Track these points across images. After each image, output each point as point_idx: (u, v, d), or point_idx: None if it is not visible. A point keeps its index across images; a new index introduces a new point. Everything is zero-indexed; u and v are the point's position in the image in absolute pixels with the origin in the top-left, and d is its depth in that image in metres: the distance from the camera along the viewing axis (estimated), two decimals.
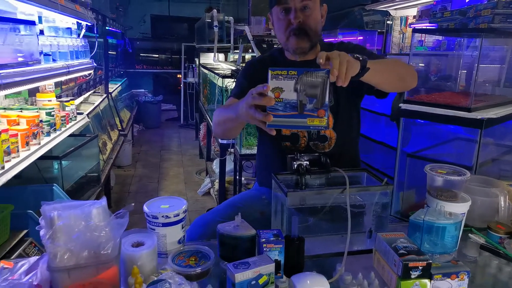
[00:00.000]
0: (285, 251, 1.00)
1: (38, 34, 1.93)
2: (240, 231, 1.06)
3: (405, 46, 4.33)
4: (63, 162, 2.29)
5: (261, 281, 0.93)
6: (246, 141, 3.05)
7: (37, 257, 0.97)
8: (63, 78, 2.50)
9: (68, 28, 2.67)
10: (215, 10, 3.74)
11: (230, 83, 3.20)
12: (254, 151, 2.87)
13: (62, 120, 2.24)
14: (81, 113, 2.80)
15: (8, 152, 1.55)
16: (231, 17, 3.78)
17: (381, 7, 4.30)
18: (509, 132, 2.22)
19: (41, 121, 1.95)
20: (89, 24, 3.09)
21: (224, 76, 3.30)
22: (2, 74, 1.39)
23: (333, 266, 1.04)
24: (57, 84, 2.83)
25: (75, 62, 2.60)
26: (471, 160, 1.64)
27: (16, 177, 1.62)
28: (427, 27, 3.22)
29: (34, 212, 1.67)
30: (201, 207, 3.94)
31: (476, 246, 1.19)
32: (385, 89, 1.34)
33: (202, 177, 4.69)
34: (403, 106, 1.83)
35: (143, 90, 8.02)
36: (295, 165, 1.22)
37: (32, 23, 1.78)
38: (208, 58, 5.35)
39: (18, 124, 1.75)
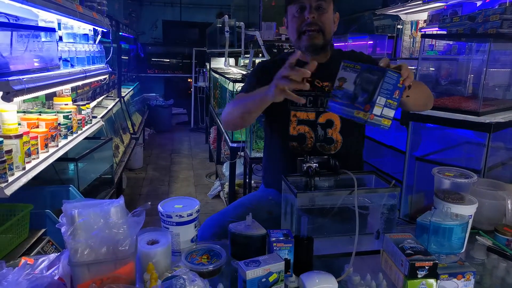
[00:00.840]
0: (294, 250, 1.03)
1: (57, 40, 2.00)
2: (251, 230, 1.10)
3: (415, 50, 4.33)
4: (79, 164, 2.36)
5: (271, 279, 0.96)
6: (256, 145, 3.09)
7: (56, 254, 1.02)
8: (80, 83, 2.58)
9: (85, 34, 2.75)
10: (226, 16, 3.80)
11: (241, 87, 3.24)
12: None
13: (78, 123, 2.31)
14: (95, 117, 2.88)
15: (28, 154, 1.62)
16: (242, 23, 3.83)
17: (392, 12, 4.31)
18: None
19: (59, 124, 2.02)
20: (104, 30, 3.18)
21: (235, 81, 3.34)
22: (24, 79, 1.45)
23: (342, 266, 1.07)
24: (72, 89, 2.91)
25: (92, 67, 2.67)
26: (480, 164, 1.66)
27: (34, 178, 1.68)
28: (437, 32, 3.23)
29: (52, 212, 1.73)
30: (211, 209, 3.98)
31: (483, 248, 1.20)
32: (409, 108, 1.38)
33: (212, 180, 4.74)
34: None
35: (154, 94, 8.12)
36: (305, 167, 1.25)
37: (52, 30, 1.85)
38: (219, 63, 5.41)
39: (37, 126, 1.82)
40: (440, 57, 2.80)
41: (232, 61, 5.14)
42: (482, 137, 1.76)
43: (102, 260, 0.88)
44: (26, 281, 0.86)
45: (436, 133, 2.29)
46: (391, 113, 0.99)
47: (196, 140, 7.02)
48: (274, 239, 1.03)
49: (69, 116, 2.13)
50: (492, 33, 1.66)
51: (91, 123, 2.56)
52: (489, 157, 1.83)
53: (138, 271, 0.99)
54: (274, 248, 1.02)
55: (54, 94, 2.41)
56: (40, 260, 1.02)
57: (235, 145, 3.28)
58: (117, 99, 4.80)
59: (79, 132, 2.29)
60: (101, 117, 3.11)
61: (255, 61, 4.50)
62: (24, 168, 1.58)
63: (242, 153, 3.29)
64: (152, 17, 8.71)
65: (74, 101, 2.66)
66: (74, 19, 2.19)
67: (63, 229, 0.91)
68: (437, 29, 3.44)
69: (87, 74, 2.39)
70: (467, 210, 1.12)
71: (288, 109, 1.45)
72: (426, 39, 3.19)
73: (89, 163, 2.69)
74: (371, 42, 5.00)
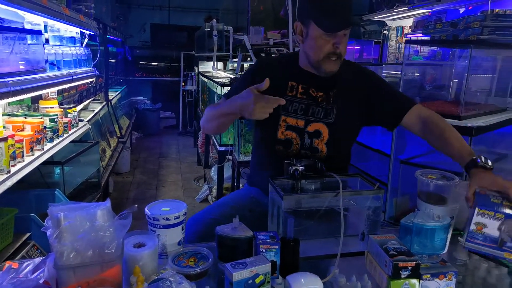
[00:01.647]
0: (280, 252, 1.04)
1: (43, 43, 1.99)
2: (237, 232, 1.11)
3: (401, 55, 4.40)
4: (64, 167, 2.33)
5: (257, 281, 0.97)
6: (244, 148, 3.10)
7: (41, 258, 1.01)
8: (66, 86, 2.56)
9: (72, 37, 2.73)
10: (214, 20, 3.81)
11: (229, 90, 3.25)
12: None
13: (64, 126, 2.29)
14: (82, 120, 2.85)
15: (13, 157, 1.60)
16: (230, 27, 3.85)
17: (378, 18, 4.39)
18: (501, 140, 2.28)
19: (45, 127, 2.00)
20: (91, 33, 3.16)
21: (223, 84, 3.36)
22: (10, 82, 1.44)
23: (328, 268, 1.08)
24: (59, 92, 2.88)
25: (79, 70, 2.66)
26: None
27: (19, 181, 1.66)
28: (421, 38, 3.30)
29: (37, 216, 1.71)
30: None
31: (465, 249, 1.23)
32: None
33: (200, 184, 4.73)
34: None
35: (142, 97, 8.08)
36: (291, 170, 1.26)
37: (38, 32, 1.84)
38: (207, 67, 5.42)
39: (23, 130, 1.80)
40: (424, 62, 2.86)
41: (220, 65, 5.15)
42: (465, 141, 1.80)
43: (88, 263, 0.88)
44: (11, 285, 0.85)
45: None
46: None
47: (185, 143, 7.00)
48: (260, 241, 1.04)
49: (55, 119, 2.11)
50: (473, 39, 1.71)
51: (77, 126, 2.54)
52: None
53: (124, 274, 0.99)
54: (261, 250, 1.03)
55: (40, 97, 2.38)
56: (25, 264, 1.01)
57: (223, 148, 3.29)
58: (104, 103, 4.76)
59: (65, 135, 2.27)
60: (88, 121, 3.09)
61: (243, 65, 4.52)
62: (9, 172, 1.56)
63: (230, 157, 3.30)
64: (140, 20, 8.67)
65: (60, 104, 2.63)
66: (60, 22, 2.18)
67: (48, 232, 0.91)
68: (421, 35, 3.52)
69: (73, 77, 2.37)
70: (449, 212, 1.15)
71: (279, 114, 1.46)
72: (412, 45, 3.25)
73: (75, 167, 2.67)
74: (358, 47, 5.06)
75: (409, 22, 4.23)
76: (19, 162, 1.65)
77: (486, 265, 1.18)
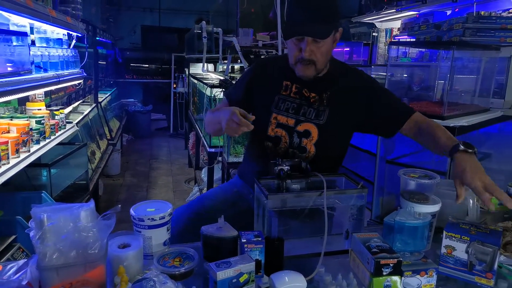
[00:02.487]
0: (265, 251, 1.05)
1: (29, 44, 1.98)
2: (222, 232, 1.12)
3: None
4: (52, 170, 2.32)
5: (241, 279, 0.97)
6: (234, 150, 3.11)
7: (25, 259, 1.01)
8: (53, 88, 2.54)
9: (59, 39, 2.72)
10: (204, 22, 3.82)
11: (219, 93, 3.27)
12: (241, 159, 2.93)
13: (51, 128, 2.27)
14: (70, 122, 2.84)
15: None
16: (220, 29, 3.86)
17: (367, 20, 4.43)
18: (485, 140, 2.32)
19: (31, 129, 1.98)
20: (79, 35, 3.15)
21: (212, 86, 3.36)
22: None
23: (313, 266, 1.09)
24: (46, 94, 2.87)
25: (65, 72, 2.64)
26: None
27: (5, 184, 1.64)
28: (406, 40, 3.35)
29: (23, 218, 1.69)
30: None
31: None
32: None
33: (191, 186, 4.72)
34: None
35: (132, 99, 8.04)
36: (277, 170, 1.27)
37: (24, 34, 1.83)
38: (197, 68, 5.42)
39: (8, 132, 1.79)
40: (409, 63, 2.90)
41: (210, 66, 5.16)
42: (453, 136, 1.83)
43: (71, 263, 0.88)
44: None
45: (407, 137, 2.36)
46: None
47: (176, 145, 6.98)
48: (245, 240, 1.05)
49: (42, 121, 2.10)
50: (455, 41, 1.74)
51: (65, 128, 2.52)
52: None
53: (109, 275, 0.99)
54: (245, 249, 1.04)
55: (27, 99, 2.37)
56: (9, 266, 1.00)
57: (213, 150, 3.29)
58: (94, 105, 4.73)
59: (52, 137, 2.25)
60: (77, 123, 3.07)
61: (233, 66, 4.54)
62: None
63: (220, 158, 3.30)
64: (131, 22, 8.64)
65: (48, 106, 2.61)
66: (46, 24, 2.16)
67: (31, 234, 0.90)
68: (406, 36, 3.57)
69: (60, 79, 2.36)
70: (430, 209, 1.17)
71: (271, 111, 1.49)
72: (400, 47, 3.29)
73: (63, 169, 2.65)
74: (348, 49, 5.10)
75: (397, 24, 4.29)
76: (4, 164, 1.63)
77: None
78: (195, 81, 4.92)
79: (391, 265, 0.99)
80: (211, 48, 3.83)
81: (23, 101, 2.36)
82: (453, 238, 1.10)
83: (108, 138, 4.79)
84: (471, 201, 1.29)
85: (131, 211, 1.13)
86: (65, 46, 2.88)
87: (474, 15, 1.95)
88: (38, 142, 2.07)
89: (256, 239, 1.06)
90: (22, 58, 1.82)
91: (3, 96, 1.52)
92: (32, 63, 2.06)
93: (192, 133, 5.37)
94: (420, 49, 3.20)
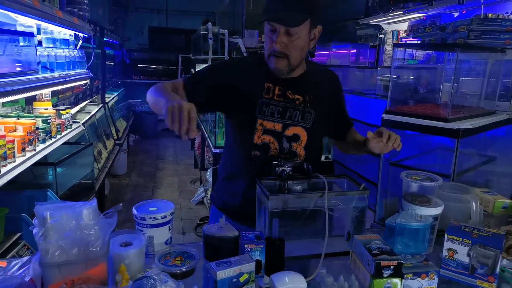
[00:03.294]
0: (266, 252, 1.06)
1: (36, 45, 2.00)
2: (223, 232, 1.12)
3: None
4: (57, 169, 2.34)
5: (242, 279, 0.98)
6: None
7: (29, 256, 1.02)
8: (59, 87, 2.57)
9: (65, 39, 2.75)
10: (210, 23, 3.84)
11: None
12: None
13: (57, 128, 2.30)
14: (77, 122, 2.86)
15: (4, 157, 1.61)
16: (226, 30, 3.88)
17: (374, 21, 4.42)
18: (491, 143, 2.30)
19: (37, 128, 2.01)
20: (86, 35, 3.17)
21: None
22: (1, 82, 1.45)
23: (314, 267, 1.09)
24: (54, 93, 2.90)
25: (72, 72, 2.67)
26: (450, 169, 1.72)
27: (11, 182, 1.67)
28: (412, 42, 3.33)
29: (29, 216, 1.71)
30: (194, 216, 3.98)
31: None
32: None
33: (196, 186, 4.74)
34: (385, 116, 1.91)
35: (139, 100, 8.09)
36: (279, 171, 1.27)
37: (31, 34, 1.86)
38: None
39: (15, 130, 1.81)
40: (414, 66, 2.88)
41: None
42: (454, 143, 1.82)
43: (73, 261, 0.89)
44: None
45: (412, 139, 2.35)
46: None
47: (182, 146, 7.01)
48: (245, 240, 1.05)
49: (48, 121, 2.12)
50: (459, 43, 1.73)
51: (71, 128, 2.55)
52: (463, 162, 1.89)
53: (110, 273, 1.00)
54: (246, 249, 1.04)
55: (34, 99, 2.40)
56: (14, 263, 1.02)
57: (217, 150, 3.30)
58: (101, 105, 4.77)
59: (58, 136, 2.28)
60: (83, 123, 3.10)
61: None
62: None
63: None
64: (138, 23, 8.71)
65: (55, 106, 2.64)
66: (53, 24, 2.19)
67: (34, 231, 0.92)
68: (411, 39, 3.55)
69: (66, 79, 2.38)
70: (432, 212, 1.17)
71: (256, 116, 1.38)
72: (407, 49, 3.28)
73: (68, 168, 2.68)
74: (354, 50, 5.09)
75: (404, 26, 4.26)
76: (10, 162, 1.66)
77: None
78: None
79: (392, 267, 0.99)
80: (217, 49, 3.84)
81: (30, 101, 2.40)
82: (455, 241, 1.09)
83: (115, 138, 4.83)
84: (474, 204, 1.28)
85: (133, 210, 1.15)
86: (71, 47, 2.92)
87: (481, 17, 1.93)
88: (44, 141, 2.09)
89: (257, 239, 1.06)
90: (28, 58, 1.84)
91: (8, 96, 1.54)
92: (39, 63, 2.09)
93: (198, 134, 5.39)
94: (426, 51, 3.19)
